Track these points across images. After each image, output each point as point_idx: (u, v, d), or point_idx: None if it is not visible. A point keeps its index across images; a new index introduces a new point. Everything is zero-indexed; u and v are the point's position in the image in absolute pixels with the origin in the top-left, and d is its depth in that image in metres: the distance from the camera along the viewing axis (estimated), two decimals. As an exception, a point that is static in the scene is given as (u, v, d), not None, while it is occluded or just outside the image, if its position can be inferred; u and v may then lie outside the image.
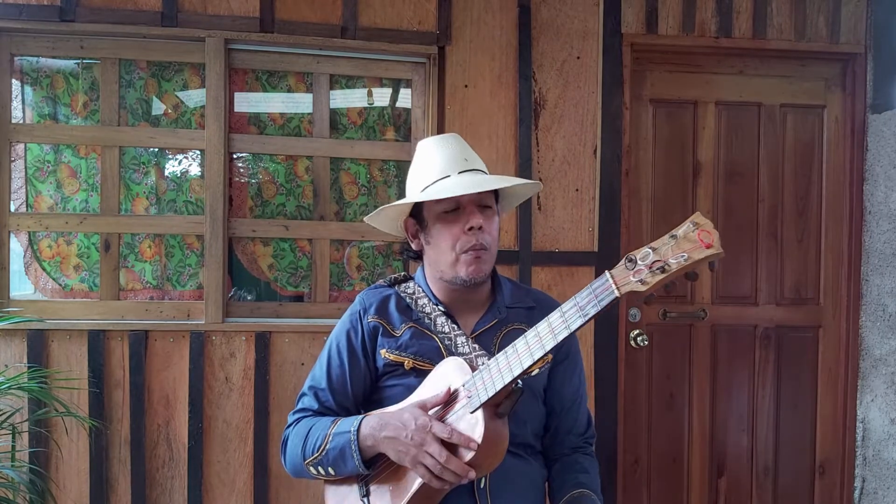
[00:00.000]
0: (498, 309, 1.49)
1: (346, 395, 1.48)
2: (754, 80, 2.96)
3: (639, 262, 1.13)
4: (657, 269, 1.12)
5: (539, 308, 1.52)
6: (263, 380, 2.59)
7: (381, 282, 1.59)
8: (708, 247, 1.08)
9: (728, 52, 2.89)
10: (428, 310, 1.48)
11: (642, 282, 1.13)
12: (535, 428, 1.49)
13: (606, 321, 2.76)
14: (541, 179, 2.73)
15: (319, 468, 1.40)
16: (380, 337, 1.48)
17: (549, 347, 1.18)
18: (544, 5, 2.74)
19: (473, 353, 1.42)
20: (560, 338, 1.17)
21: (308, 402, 1.50)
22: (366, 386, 1.49)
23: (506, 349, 1.25)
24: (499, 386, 1.23)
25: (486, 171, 1.49)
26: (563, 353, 1.52)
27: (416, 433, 1.25)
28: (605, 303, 1.14)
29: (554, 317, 1.19)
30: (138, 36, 2.57)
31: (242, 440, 2.60)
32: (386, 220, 1.56)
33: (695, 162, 2.95)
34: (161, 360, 2.56)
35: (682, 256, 1.10)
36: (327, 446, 1.37)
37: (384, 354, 1.46)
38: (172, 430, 2.57)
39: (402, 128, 2.83)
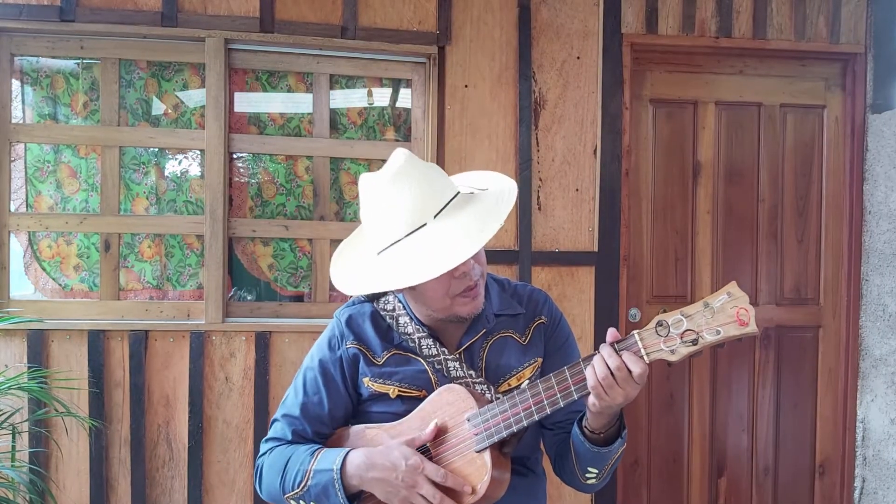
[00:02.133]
0: (486, 319, 1.37)
1: (322, 422, 1.39)
2: (754, 80, 2.96)
3: (671, 329, 1.10)
4: (689, 340, 1.09)
5: (526, 314, 1.42)
6: (263, 380, 2.59)
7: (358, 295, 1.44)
8: (743, 325, 1.06)
9: (728, 52, 2.89)
10: (410, 330, 1.36)
11: (673, 351, 1.10)
12: (531, 438, 1.41)
13: (607, 321, 2.76)
14: (541, 179, 2.73)
15: (301, 502, 1.32)
16: (361, 364, 1.37)
17: (576, 397, 1.19)
18: (544, 5, 2.74)
19: (470, 379, 1.33)
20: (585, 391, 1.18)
21: (281, 430, 1.39)
22: (347, 410, 1.40)
23: (523, 389, 1.22)
24: (516, 429, 1.20)
25: (456, 189, 1.29)
26: (555, 345, 1.43)
27: (407, 474, 1.20)
28: None
29: (578, 368, 1.18)
30: (138, 36, 2.57)
31: (242, 440, 2.60)
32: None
33: (695, 162, 2.95)
34: (161, 360, 2.56)
35: (717, 331, 1.07)
36: (309, 482, 1.28)
37: (367, 383, 1.36)
38: (172, 430, 2.57)
39: (402, 128, 2.83)
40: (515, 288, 1.46)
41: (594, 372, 1.14)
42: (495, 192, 1.31)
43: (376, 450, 1.27)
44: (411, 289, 1.30)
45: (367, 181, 1.30)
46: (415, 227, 1.23)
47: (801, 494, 3.04)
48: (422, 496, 1.20)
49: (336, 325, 1.42)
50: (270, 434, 1.42)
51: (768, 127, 2.99)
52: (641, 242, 2.91)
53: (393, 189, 1.24)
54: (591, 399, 1.17)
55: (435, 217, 1.23)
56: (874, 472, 2.91)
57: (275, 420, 1.43)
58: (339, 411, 1.39)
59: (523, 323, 1.42)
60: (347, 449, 1.30)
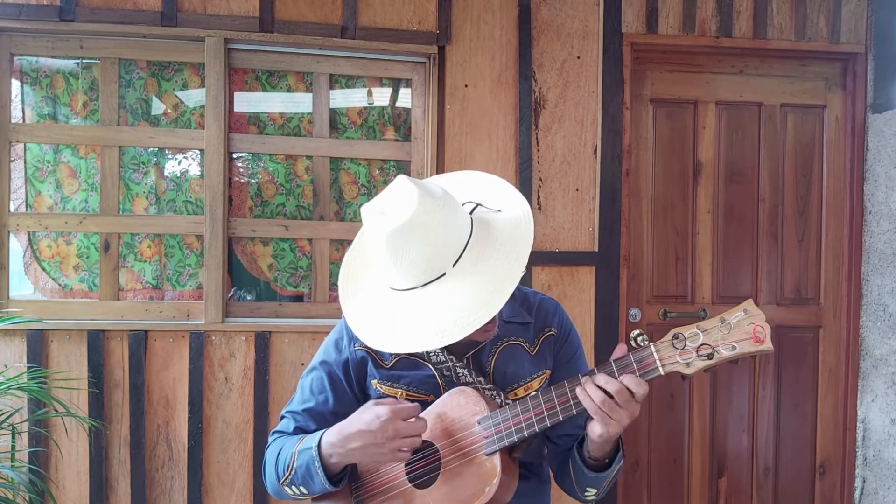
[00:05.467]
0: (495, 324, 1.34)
1: (326, 421, 1.39)
2: (755, 79, 2.96)
3: (687, 342, 1.12)
4: (704, 354, 1.11)
5: (535, 324, 1.41)
6: (263, 380, 2.59)
7: None
8: (759, 342, 1.08)
9: (728, 51, 2.89)
10: None
11: (688, 364, 1.12)
12: (537, 443, 1.40)
13: (607, 321, 2.76)
14: (541, 179, 2.73)
15: (293, 488, 1.33)
16: (369, 366, 1.38)
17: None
18: (544, 5, 2.74)
19: (479, 385, 1.32)
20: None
21: (285, 424, 1.43)
22: (354, 411, 1.40)
23: (535, 395, 1.22)
24: (527, 434, 1.19)
25: (469, 219, 1.23)
26: (564, 358, 1.43)
27: (387, 424, 1.21)
28: (647, 378, 1.15)
29: (592, 377, 1.18)
30: (138, 36, 2.57)
31: (242, 440, 2.60)
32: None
33: (695, 162, 2.95)
34: (161, 361, 2.55)
35: (732, 347, 1.09)
36: (295, 465, 1.30)
37: (375, 385, 1.37)
38: (172, 430, 2.57)
39: (402, 127, 2.82)
40: (526, 295, 1.44)
41: (590, 399, 1.15)
42: (509, 226, 1.24)
43: (346, 422, 1.27)
44: None
45: (375, 229, 1.20)
46: (435, 276, 1.19)
47: (802, 495, 3.04)
48: (406, 439, 1.21)
49: (344, 328, 1.42)
50: (276, 427, 1.46)
51: (769, 127, 2.98)
52: (642, 242, 2.91)
53: (403, 241, 1.17)
54: (598, 430, 1.18)
55: (454, 265, 1.19)
56: (874, 473, 2.91)
57: (282, 416, 1.47)
58: (346, 412, 1.39)
59: (532, 333, 1.40)
60: (325, 430, 1.30)
